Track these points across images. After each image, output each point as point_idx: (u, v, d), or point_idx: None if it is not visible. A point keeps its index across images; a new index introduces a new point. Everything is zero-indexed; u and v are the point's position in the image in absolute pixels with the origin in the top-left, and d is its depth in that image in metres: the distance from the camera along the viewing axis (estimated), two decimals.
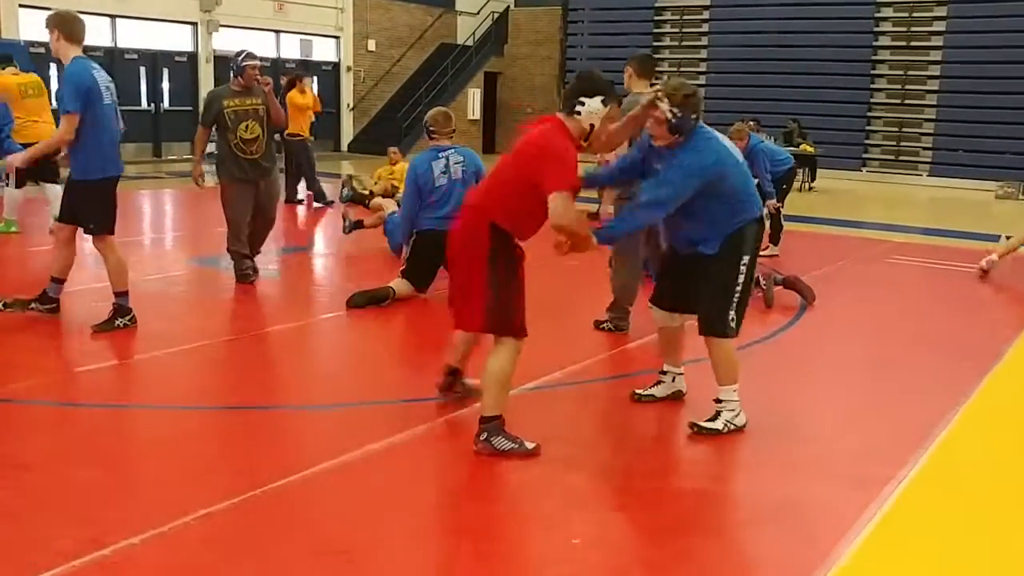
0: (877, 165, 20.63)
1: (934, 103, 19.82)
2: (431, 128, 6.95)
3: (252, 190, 7.18)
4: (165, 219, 12.37)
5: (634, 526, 3.56)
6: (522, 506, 3.69)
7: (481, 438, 4.00)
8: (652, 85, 5.48)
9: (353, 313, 6.55)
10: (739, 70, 21.54)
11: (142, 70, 19.32)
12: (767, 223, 9.11)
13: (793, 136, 17.56)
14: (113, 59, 18.63)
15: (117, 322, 5.77)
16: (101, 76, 5.60)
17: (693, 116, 4.17)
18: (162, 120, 19.61)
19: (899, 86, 20.23)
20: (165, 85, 19.83)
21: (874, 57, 20.51)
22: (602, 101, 3.97)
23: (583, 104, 3.95)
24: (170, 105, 19.76)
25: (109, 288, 5.81)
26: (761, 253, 8.92)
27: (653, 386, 4.83)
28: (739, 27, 21.80)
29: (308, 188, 12.77)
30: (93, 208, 5.67)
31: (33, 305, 5.95)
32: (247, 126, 7.08)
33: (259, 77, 7.29)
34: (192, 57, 20.11)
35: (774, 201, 9.43)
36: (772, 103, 20.08)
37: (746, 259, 4.34)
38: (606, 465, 4.05)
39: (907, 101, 20.15)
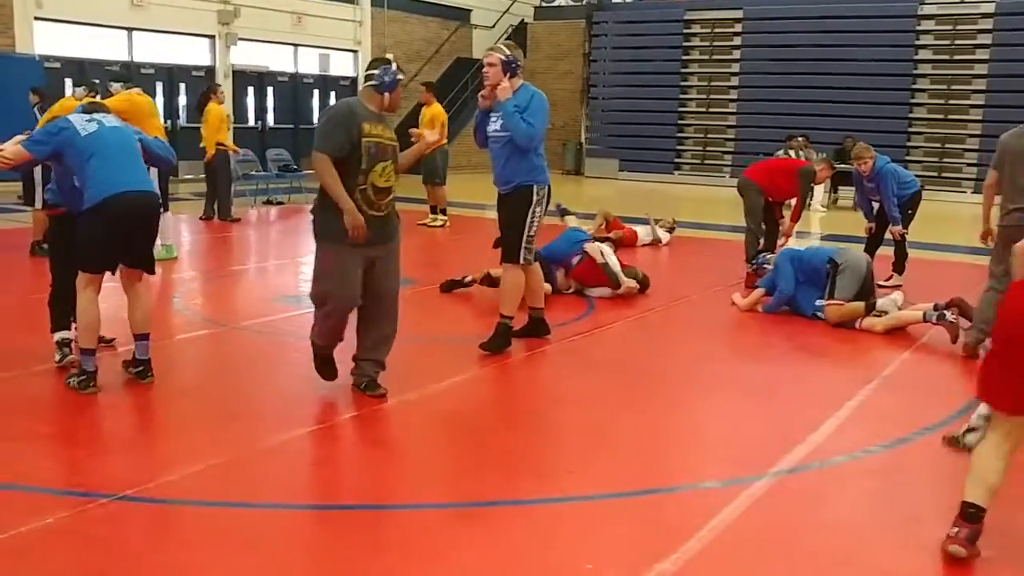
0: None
1: (979, 118, 19.27)
2: None
3: (364, 261, 4.85)
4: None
5: None
6: None
7: None
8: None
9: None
10: (771, 84, 20.98)
11: (159, 85, 18.45)
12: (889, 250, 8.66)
13: (847, 154, 16.88)
14: (130, 72, 17.73)
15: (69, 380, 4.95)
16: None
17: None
18: (179, 138, 18.70)
19: (942, 101, 19.68)
20: (182, 100, 18.98)
21: (915, 71, 19.98)
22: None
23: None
24: (187, 122, 18.87)
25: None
26: (884, 283, 8.35)
27: None
28: (772, 40, 21.23)
29: (220, 202, 12.39)
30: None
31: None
32: (384, 169, 4.83)
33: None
34: (210, 71, 19.26)
35: (900, 228, 8.72)
36: (805, 118, 19.48)
37: None
38: None
39: (950, 116, 19.60)
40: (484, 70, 5.92)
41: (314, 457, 4.33)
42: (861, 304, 6.90)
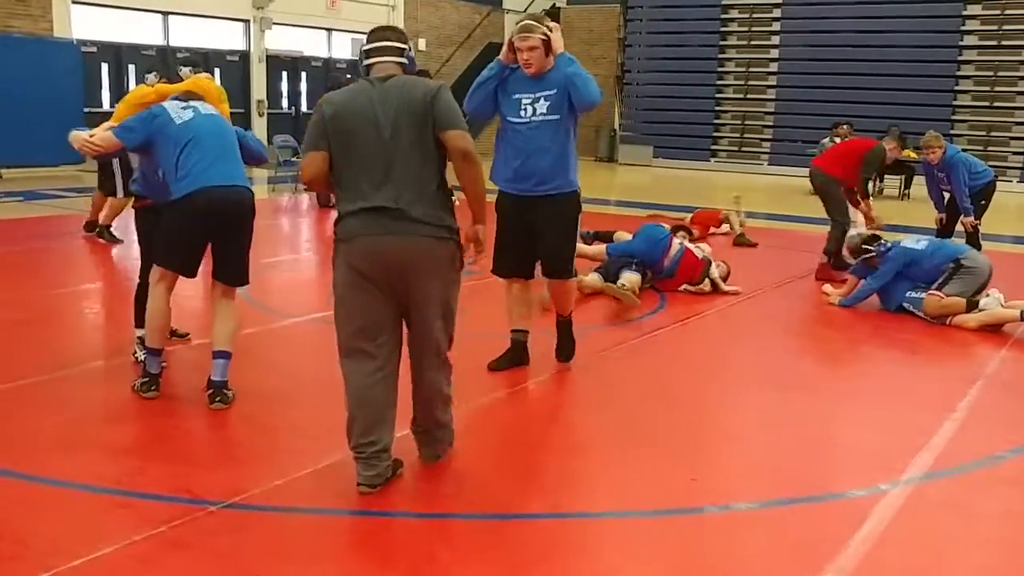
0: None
1: None
2: None
3: None
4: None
5: None
6: None
7: None
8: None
9: None
10: (811, 71, 20.59)
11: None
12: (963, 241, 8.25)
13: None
14: (165, 58, 17.60)
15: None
16: None
17: None
18: None
19: (987, 88, 19.27)
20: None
21: (960, 58, 19.55)
22: None
23: None
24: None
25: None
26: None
27: None
28: (812, 26, 20.81)
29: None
30: None
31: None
32: None
33: None
34: (244, 56, 19.06)
35: (972, 219, 8.44)
36: (846, 105, 19.07)
37: None
38: None
39: (996, 104, 19.19)
40: (524, 56, 4.78)
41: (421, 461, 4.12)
42: (963, 300, 6.61)
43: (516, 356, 5.26)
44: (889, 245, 7.10)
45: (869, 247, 7.14)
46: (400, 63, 3.65)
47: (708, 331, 6.60)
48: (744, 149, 22.01)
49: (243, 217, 4.58)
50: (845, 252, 7.95)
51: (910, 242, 7.17)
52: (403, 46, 3.67)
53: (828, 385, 5.43)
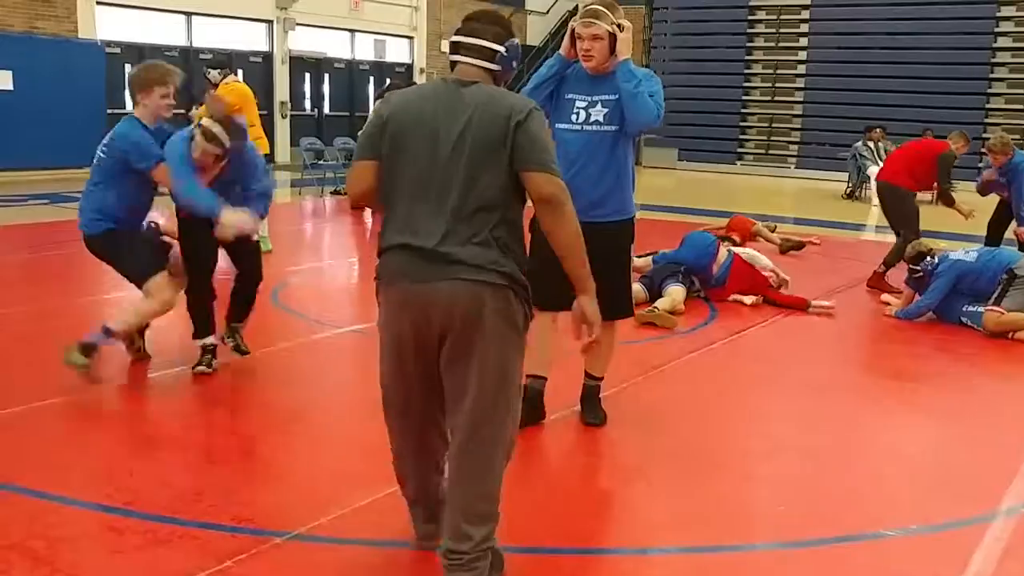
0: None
1: None
2: None
3: None
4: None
5: None
6: None
7: None
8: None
9: None
10: (840, 73, 20.31)
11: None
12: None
13: None
14: (188, 59, 17.47)
15: None
16: None
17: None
18: None
19: (1021, 90, 18.94)
20: None
21: (993, 60, 19.24)
22: None
23: None
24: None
25: None
26: None
27: None
28: (841, 28, 20.55)
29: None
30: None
31: None
32: None
33: None
34: (267, 57, 18.90)
35: None
36: (876, 108, 18.83)
37: None
38: None
39: None
40: (584, 45, 4.02)
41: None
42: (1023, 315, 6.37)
43: (531, 411, 4.10)
44: (937, 262, 6.84)
45: (916, 267, 6.89)
46: (489, 69, 2.83)
47: (763, 344, 6.35)
48: (771, 152, 21.74)
49: None
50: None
51: (959, 254, 6.92)
52: (496, 47, 2.83)
53: (901, 403, 5.18)
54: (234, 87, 8.54)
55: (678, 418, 4.72)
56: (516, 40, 2.92)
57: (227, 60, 12.01)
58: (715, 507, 3.66)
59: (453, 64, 2.89)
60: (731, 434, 4.56)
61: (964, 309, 6.67)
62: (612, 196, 4.13)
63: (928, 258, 6.84)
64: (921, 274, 6.83)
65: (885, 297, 7.42)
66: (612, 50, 4.04)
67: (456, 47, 2.88)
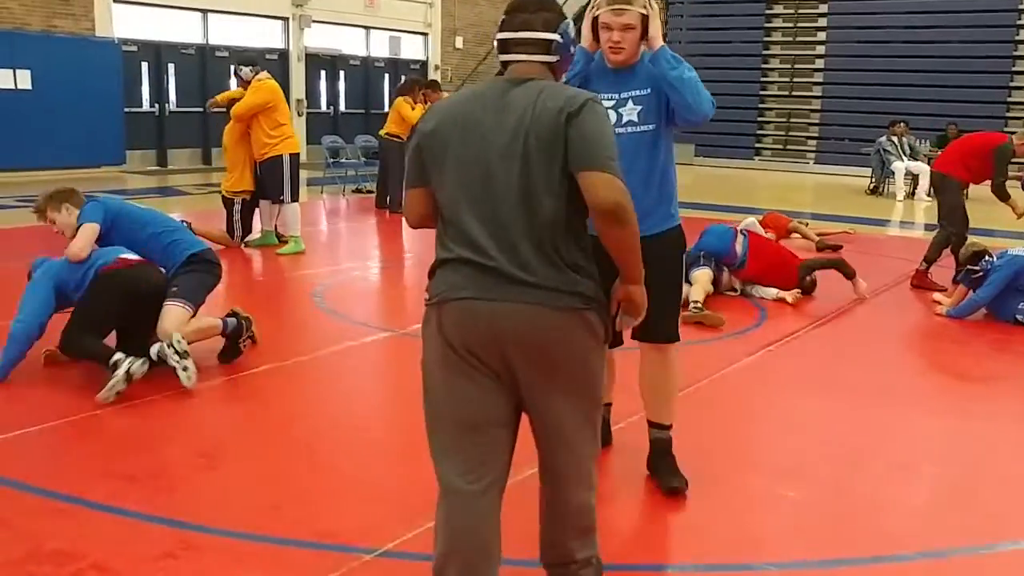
0: (1016, 169, 19.12)
1: None
2: None
3: None
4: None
5: None
6: None
7: None
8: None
9: None
10: (859, 67, 20.15)
11: (232, 69, 17.97)
12: None
13: (949, 141, 16.11)
14: (204, 57, 17.38)
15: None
16: None
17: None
18: None
19: None
20: None
21: (1015, 53, 19.06)
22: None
23: None
24: None
25: None
26: None
27: None
28: (860, 22, 20.37)
29: (390, 194, 11.49)
30: None
31: None
32: None
33: None
34: (283, 55, 18.77)
35: None
36: (895, 103, 18.67)
37: None
38: None
39: None
40: (613, 38, 3.40)
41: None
42: None
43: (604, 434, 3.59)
44: (996, 262, 6.71)
45: (974, 268, 6.74)
46: (546, 63, 2.54)
47: (818, 346, 6.22)
48: (789, 147, 21.59)
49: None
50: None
51: (1018, 250, 6.78)
52: (549, 36, 2.51)
53: (970, 407, 5.04)
54: (265, 84, 8.46)
55: (749, 424, 4.60)
56: (569, 21, 2.57)
57: (257, 56, 11.92)
58: (794, 515, 3.54)
59: (505, 64, 2.57)
60: (805, 442, 4.43)
61: (1020, 307, 6.55)
62: (660, 205, 3.53)
63: (987, 256, 6.72)
64: (981, 273, 6.69)
65: (936, 296, 7.30)
66: (642, 38, 3.43)
67: (505, 46, 2.56)
